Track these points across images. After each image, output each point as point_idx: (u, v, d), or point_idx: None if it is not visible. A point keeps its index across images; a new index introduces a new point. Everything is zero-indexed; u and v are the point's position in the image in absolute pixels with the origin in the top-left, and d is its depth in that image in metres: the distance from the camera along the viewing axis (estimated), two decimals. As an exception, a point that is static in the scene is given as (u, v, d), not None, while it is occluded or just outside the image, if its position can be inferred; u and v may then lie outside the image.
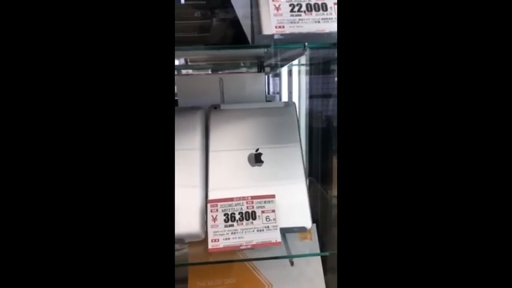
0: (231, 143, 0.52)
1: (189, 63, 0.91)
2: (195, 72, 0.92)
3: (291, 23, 0.37)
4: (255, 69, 0.82)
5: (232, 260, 0.53)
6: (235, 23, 0.47)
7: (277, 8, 0.37)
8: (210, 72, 0.91)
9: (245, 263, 0.55)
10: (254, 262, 0.55)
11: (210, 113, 0.55)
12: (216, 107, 0.56)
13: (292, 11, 0.37)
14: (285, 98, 0.87)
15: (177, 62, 0.87)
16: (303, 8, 0.37)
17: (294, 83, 0.83)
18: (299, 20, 0.37)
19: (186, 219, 0.46)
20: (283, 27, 0.37)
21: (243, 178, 0.50)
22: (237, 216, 0.45)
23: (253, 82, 0.60)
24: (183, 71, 0.93)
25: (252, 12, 0.44)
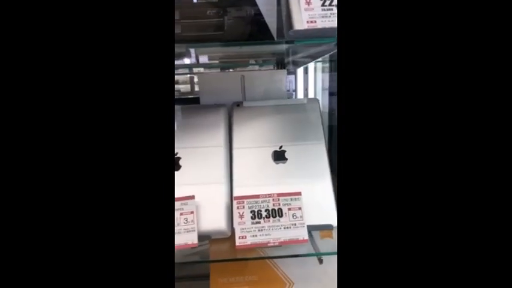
0: (254, 140, 0.52)
1: (199, 62, 0.91)
2: (206, 71, 0.92)
3: (323, 17, 0.37)
4: (267, 67, 0.81)
5: (253, 258, 0.53)
6: (259, 20, 0.47)
7: (308, 3, 0.37)
8: (219, 70, 0.91)
9: (266, 260, 0.54)
10: (275, 260, 0.54)
11: (232, 110, 0.55)
12: (238, 105, 0.55)
13: (323, 5, 0.37)
14: (300, 95, 0.87)
15: (188, 61, 0.87)
16: (335, 2, 0.37)
17: (309, 80, 0.83)
18: (331, 14, 0.37)
19: (212, 215, 0.46)
20: (315, 22, 0.36)
21: (267, 175, 0.49)
22: (264, 214, 0.44)
23: (275, 79, 0.60)
24: (195, 70, 0.93)
25: (278, 9, 0.43)
